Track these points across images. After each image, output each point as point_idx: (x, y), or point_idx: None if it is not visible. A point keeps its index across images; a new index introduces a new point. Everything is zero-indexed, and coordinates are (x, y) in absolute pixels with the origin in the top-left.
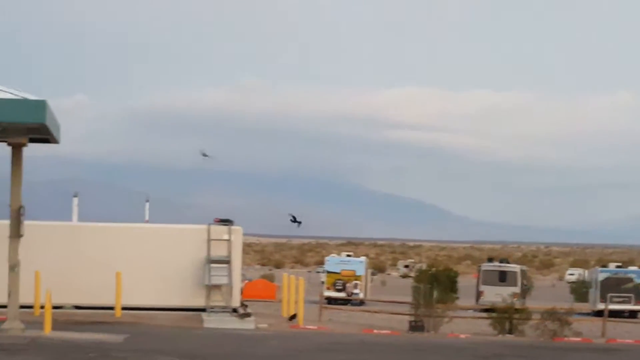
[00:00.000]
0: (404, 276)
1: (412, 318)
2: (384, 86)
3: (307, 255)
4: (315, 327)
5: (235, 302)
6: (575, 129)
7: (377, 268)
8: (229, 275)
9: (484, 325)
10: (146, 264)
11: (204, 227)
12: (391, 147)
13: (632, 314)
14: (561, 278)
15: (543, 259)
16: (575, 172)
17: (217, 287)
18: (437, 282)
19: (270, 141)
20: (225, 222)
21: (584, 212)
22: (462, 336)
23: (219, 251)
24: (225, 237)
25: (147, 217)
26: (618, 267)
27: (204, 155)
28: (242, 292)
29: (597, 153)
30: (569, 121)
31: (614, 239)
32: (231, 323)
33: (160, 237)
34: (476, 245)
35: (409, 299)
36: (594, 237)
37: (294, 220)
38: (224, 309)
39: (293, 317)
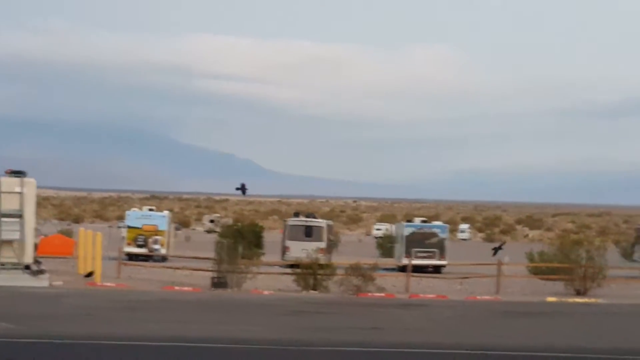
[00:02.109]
0: (209, 231)
1: (215, 274)
2: (200, 36)
3: (109, 209)
4: (113, 285)
5: (28, 258)
6: (395, 83)
7: (182, 223)
8: (21, 230)
9: (289, 282)
10: None
11: None
12: (207, 99)
13: (436, 269)
14: (368, 233)
15: (351, 214)
16: (393, 126)
17: (8, 242)
18: (242, 238)
19: (78, 91)
20: (17, 173)
21: (399, 166)
22: (266, 292)
23: (10, 205)
24: (17, 189)
25: None
26: (423, 222)
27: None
28: (36, 248)
29: (415, 107)
30: (388, 74)
31: (426, 194)
32: (23, 280)
33: None
34: (284, 200)
35: (214, 254)
36: (406, 192)
37: (242, 188)
38: (15, 266)
39: (90, 274)
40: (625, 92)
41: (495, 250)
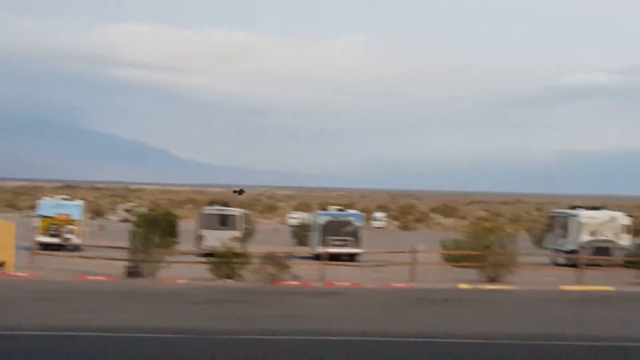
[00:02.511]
0: (124, 220)
1: (129, 264)
2: (113, 22)
3: (21, 198)
4: (26, 275)
5: None
6: (310, 71)
7: (96, 212)
8: None
9: (203, 271)
10: None
11: None
12: (121, 88)
13: (351, 257)
14: (284, 222)
15: (267, 203)
16: (309, 115)
17: None
18: (156, 227)
19: None
20: None
21: (312, 155)
22: (180, 281)
23: None
24: None
25: None
26: (339, 210)
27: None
28: None
29: (330, 96)
30: (304, 62)
31: (341, 183)
32: None
33: None
34: (201, 189)
35: (128, 244)
36: (321, 181)
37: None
38: None
39: (1, 264)
40: (538, 82)
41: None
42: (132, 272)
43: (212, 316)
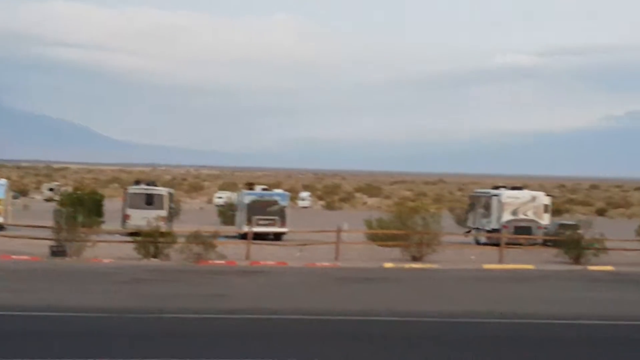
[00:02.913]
0: (49, 200)
1: (54, 243)
2: (45, 3)
3: None
4: None
5: None
6: (238, 51)
7: (20, 191)
8: None
9: (129, 250)
10: None
11: None
12: (48, 67)
13: (277, 237)
14: (210, 201)
15: (193, 182)
16: (236, 94)
17: None
18: (82, 206)
19: None
20: None
21: (239, 134)
22: (106, 261)
23: None
24: None
25: None
26: (264, 189)
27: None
28: None
29: (258, 76)
30: (233, 43)
31: (265, 162)
32: None
33: None
34: (126, 168)
35: (53, 223)
36: (246, 160)
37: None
38: None
39: None
40: (462, 63)
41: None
42: (57, 252)
43: (138, 295)
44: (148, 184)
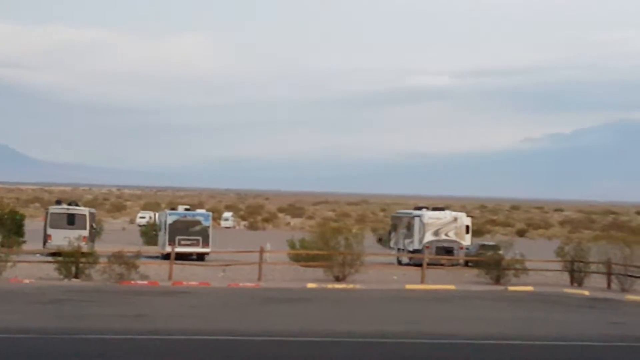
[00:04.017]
0: None
1: None
2: None
3: None
4: None
5: None
6: (155, 68)
7: None
8: None
9: (51, 270)
10: None
11: None
12: None
13: (200, 257)
14: (132, 221)
15: (115, 202)
16: (154, 112)
17: None
18: (2, 226)
19: None
20: None
21: (160, 153)
22: (26, 281)
23: None
24: None
25: None
26: (187, 209)
27: None
28: None
29: (177, 94)
30: (150, 60)
31: (187, 182)
32: None
33: None
34: (47, 187)
35: None
36: (168, 180)
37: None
38: None
39: None
40: (381, 83)
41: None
42: None
43: (58, 316)
44: (69, 204)
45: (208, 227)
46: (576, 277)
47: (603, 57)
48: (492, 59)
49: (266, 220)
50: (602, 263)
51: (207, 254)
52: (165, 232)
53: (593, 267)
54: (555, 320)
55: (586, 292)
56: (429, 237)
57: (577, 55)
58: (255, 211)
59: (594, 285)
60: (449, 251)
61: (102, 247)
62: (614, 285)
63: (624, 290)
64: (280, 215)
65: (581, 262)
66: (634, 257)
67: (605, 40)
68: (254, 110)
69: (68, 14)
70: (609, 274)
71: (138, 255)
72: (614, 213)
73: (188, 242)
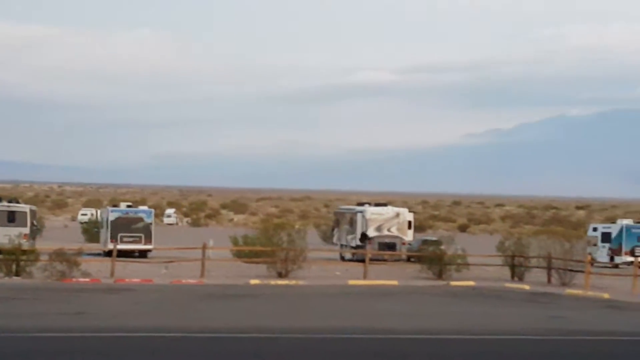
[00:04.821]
0: None
1: None
2: None
3: None
4: None
5: None
6: (98, 65)
7: None
8: None
9: None
10: None
11: None
12: None
13: (142, 254)
14: (74, 218)
15: (56, 199)
16: (97, 109)
17: None
18: None
19: None
20: None
21: (102, 150)
22: None
23: None
24: None
25: None
26: (129, 206)
27: None
28: None
29: (120, 90)
30: (92, 56)
31: (130, 179)
32: None
33: None
34: None
35: None
36: (110, 177)
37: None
38: None
39: None
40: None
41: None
42: None
43: None
44: (10, 201)
45: (150, 224)
46: (517, 271)
47: (540, 54)
48: (431, 56)
49: (209, 216)
50: (543, 258)
51: (149, 250)
52: (107, 229)
53: (533, 262)
54: (495, 315)
55: (527, 287)
56: (371, 232)
57: (515, 51)
58: (198, 208)
59: (535, 280)
60: (391, 247)
61: (43, 245)
62: (554, 280)
63: (564, 284)
64: (223, 211)
65: (522, 256)
66: (574, 252)
67: (541, 36)
68: (198, 107)
69: (9, 9)
70: (549, 268)
71: (80, 252)
72: (554, 208)
73: (130, 239)
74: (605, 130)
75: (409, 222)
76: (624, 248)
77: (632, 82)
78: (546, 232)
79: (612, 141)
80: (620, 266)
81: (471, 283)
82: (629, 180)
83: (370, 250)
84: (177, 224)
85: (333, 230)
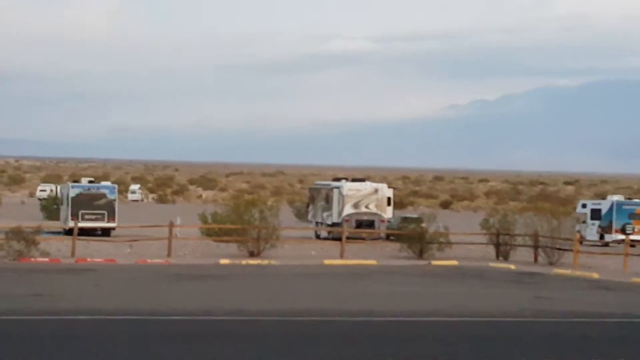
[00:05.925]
0: None
1: None
2: None
3: None
4: None
5: None
6: (58, 34)
7: None
8: None
9: None
10: None
11: None
12: None
13: (105, 232)
14: (32, 195)
15: (13, 174)
16: (56, 80)
17: None
18: None
19: None
20: None
21: (62, 123)
22: None
23: None
24: None
25: None
26: (91, 182)
27: None
28: None
29: (74, 61)
30: (48, 24)
31: (91, 153)
32: None
33: None
34: None
35: None
36: (70, 151)
37: None
38: None
39: None
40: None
41: None
42: None
43: None
44: None
45: (114, 200)
46: (502, 250)
47: (522, 22)
48: (409, 23)
49: (176, 192)
50: (529, 236)
51: (112, 229)
52: (67, 206)
53: (519, 240)
54: (478, 295)
55: (512, 266)
56: (348, 209)
57: (498, 20)
58: (164, 183)
59: (521, 259)
60: (369, 224)
61: (1, 222)
62: (541, 259)
63: (551, 263)
64: (191, 187)
65: (507, 234)
66: (562, 229)
67: (525, 5)
68: (162, 78)
69: None
70: (535, 247)
71: (38, 230)
72: (541, 183)
73: (92, 217)
74: (591, 102)
75: (389, 199)
76: (615, 226)
77: (619, 51)
78: (533, 208)
79: (599, 114)
80: (610, 244)
81: (454, 262)
82: (616, 155)
83: (347, 228)
84: (142, 200)
85: (308, 207)
